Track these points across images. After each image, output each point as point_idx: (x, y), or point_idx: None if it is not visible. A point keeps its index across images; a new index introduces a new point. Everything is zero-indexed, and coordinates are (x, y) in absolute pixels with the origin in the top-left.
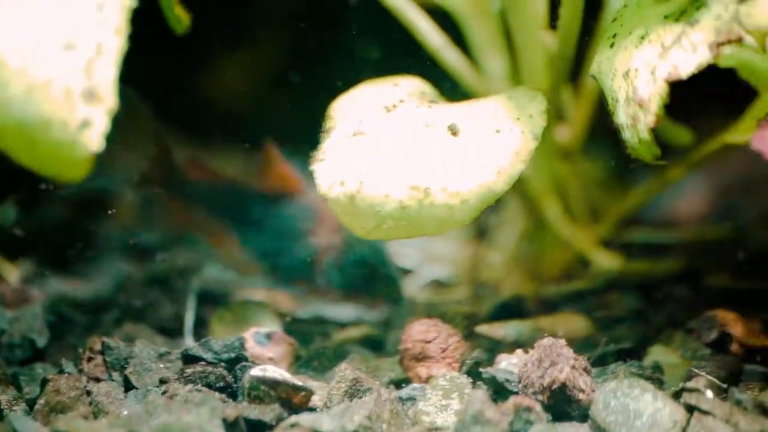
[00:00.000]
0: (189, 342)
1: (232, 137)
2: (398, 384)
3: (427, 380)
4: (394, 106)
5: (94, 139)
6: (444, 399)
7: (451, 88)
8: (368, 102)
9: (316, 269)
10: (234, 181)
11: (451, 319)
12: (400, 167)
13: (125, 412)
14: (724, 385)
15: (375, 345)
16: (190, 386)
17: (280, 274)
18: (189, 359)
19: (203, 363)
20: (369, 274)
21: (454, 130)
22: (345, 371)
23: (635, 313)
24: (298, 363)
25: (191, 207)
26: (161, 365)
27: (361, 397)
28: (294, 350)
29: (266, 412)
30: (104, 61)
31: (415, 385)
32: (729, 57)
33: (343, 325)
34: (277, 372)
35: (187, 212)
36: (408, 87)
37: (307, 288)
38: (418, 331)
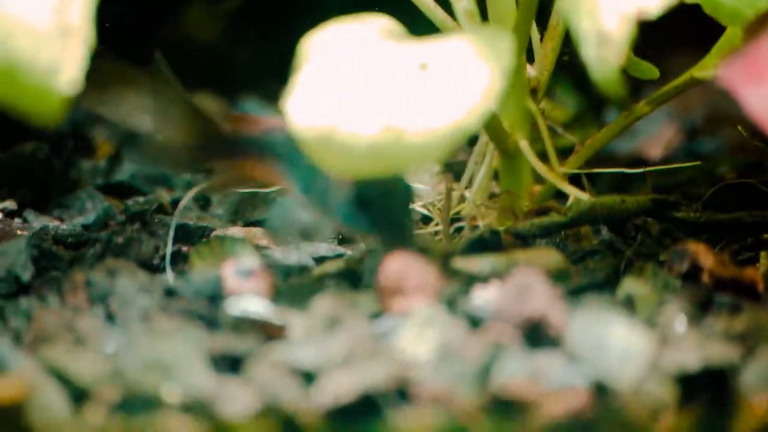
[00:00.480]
0: (170, 277)
1: (201, 84)
2: (375, 318)
3: (403, 314)
4: (363, 44)
5: (69, 79)
6: (420, 333)
7: (420, 27)
8: (338, 41)
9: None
10: (273, 125)
11: (427, 254)
12: (371, 105)
13: (108, 345)
14: (695, 315)
15: (352, 279)
16: (171, 320)
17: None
18: (170, 293)
19: (184, 297)
20: (381, 217)
21: (424, 68)
22: (323, 305)
23: (607, 247)
24: (277, 296)
25: (245, 159)
26: (143, 299)
27: (338, 331)
28: (272, 284)
29: (246, 346)
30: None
31: (392, 319)
32: None
33: (321, 259)
34: (256, 306)
35: (244, 165)
36: (377, 25)
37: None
38: (395, 266)
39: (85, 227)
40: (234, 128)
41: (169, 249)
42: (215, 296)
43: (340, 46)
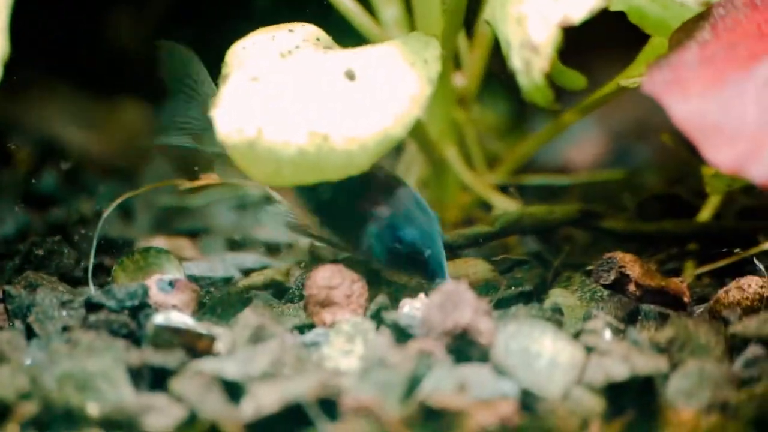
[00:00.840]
0: (92, 290)
1: (128, 90)
2: (302, 329)
3: (331, 326)
4: (290, 52)
5: None
6: (348, 344)
7: (347, 36)
8: (264, 48)
9: (361, 236)
10: None
11: (355, 265)
12: (298, 113)
13: (28, 360)
14: (622, 325)
15: (279, 290)
16: (93, 334)
17: (331, 232)
18: (92, 307)
19: (106, 310)
20: (410, 258)
21: (350, 76)
22: (249, 317)
23: (534, 257)
24: (202, 310)
25: None
26: (64, 313)
27: (265, 343)
28: (197, 297)
29: (170, 359)
30: None
31: (319, 330)
32: (619, 2)
33: (247, 272)
34: (181, 319)
35: None
36: (303, 33)
37: (354, 252)
38: (323, 277)
39: (4, 239)
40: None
41: (91, 261)
42: (139, 309)
43: (267, 53)
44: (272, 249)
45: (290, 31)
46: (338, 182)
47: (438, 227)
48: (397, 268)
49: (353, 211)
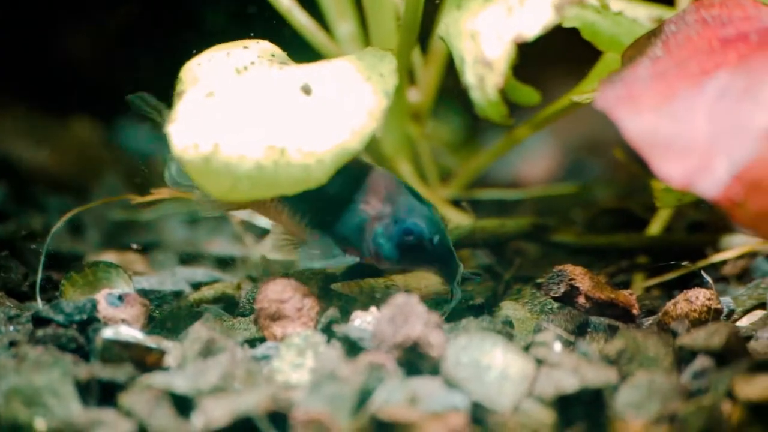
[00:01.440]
0: (39, 304)
1: (80, 106)
2: (253, 343)
3: (282, 339)
4: (245, 68)
5: None
6: (298, 357)
7: (302, 52)
8: (219, 64)
9: (366, 238)
10: None
11: (306, 279)
12: (254, 128)
13: None
14: (572, 338)
15: (230, 304)
16: (41, 348)
17: (333, 241)
18: (40, 321)
19: (54, 325)
20: (421, 248)
21: (306, 91)
22: (199, 331)
23: (486, 270)
24: (152, 324)
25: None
26: (11, 328)
27: (215, 357)
28: (147, 311)
29: (119, 373)
30: None
31: (270, 344)
32: (573, 18)
33: (198, 286)
34: (130, 332)
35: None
36: (258, 49)
37: (360, 257)
38: (274, 291)
39: None
40: None
41: (39, 276)
42: (87, 323)
43: (223, 69)
44: (223, 263)
45: (245, 47)
46: (331, 191)
47: (437, 212)
48: (409, 263)
49: (353, 216)
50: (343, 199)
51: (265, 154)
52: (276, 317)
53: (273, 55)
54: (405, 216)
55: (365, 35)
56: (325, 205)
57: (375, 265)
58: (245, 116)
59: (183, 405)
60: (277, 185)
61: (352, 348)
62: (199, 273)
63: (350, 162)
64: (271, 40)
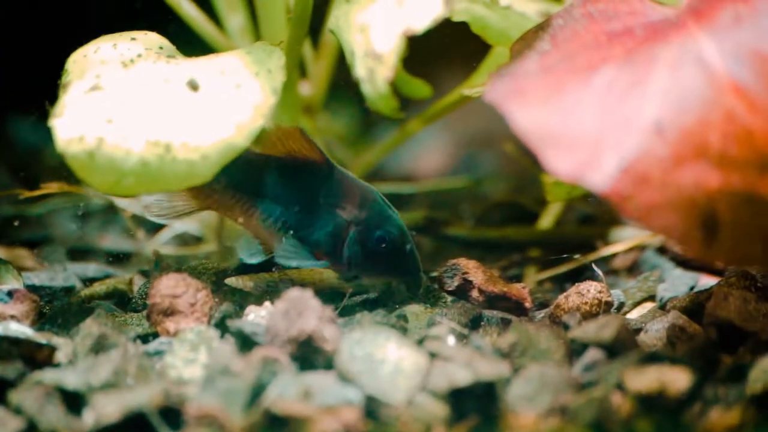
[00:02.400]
0: None
1: None
2: (146, 339)
3: (175, 334)
4: (132, 60)
5: None
6: (191, 352)
7: (192, 45)
8: (106, 56)
9: (339, 244)
10: (257, 155)
11: (200, 274)
12: (140, 123)
13: None
14: (465, 331)
15: (122, 299)
16: None
17: (306, 246)
18: None
19: None
20: (392, 255)
21: (193, 85)
22: (90, 327)
23: None
24: (42, 320)
25: (214, 187)
26: None
27: (107, 353)
28: (37, 307)
29: (8, 370)
30: None
31: (163, 339)
32: (462, 12)
33: (89, 281)
34: (19, 329)
35: (209, 192)
36: (146, 42)
37: (331, 262)
38: (167, 286)
39: None
40: None
41: None
42: None
43: (109, 62)
44: (115, 258)
45: (133, 39)
46: (306, 195)
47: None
48: (379, 271)
49: (327, 222)
50: (318, 204)
51: (150, 149)
52: (169, 312)
53: (161, 48)
54: (379, 223)
55: (256, 28)
56: (299, 209)
57: (341, 272)
58: (131, 110)
59: (74, 401)
60: (163, 181)
61: (246, 343)
62: (91, 268)
63: (324, 166)
64: (160, 32)
